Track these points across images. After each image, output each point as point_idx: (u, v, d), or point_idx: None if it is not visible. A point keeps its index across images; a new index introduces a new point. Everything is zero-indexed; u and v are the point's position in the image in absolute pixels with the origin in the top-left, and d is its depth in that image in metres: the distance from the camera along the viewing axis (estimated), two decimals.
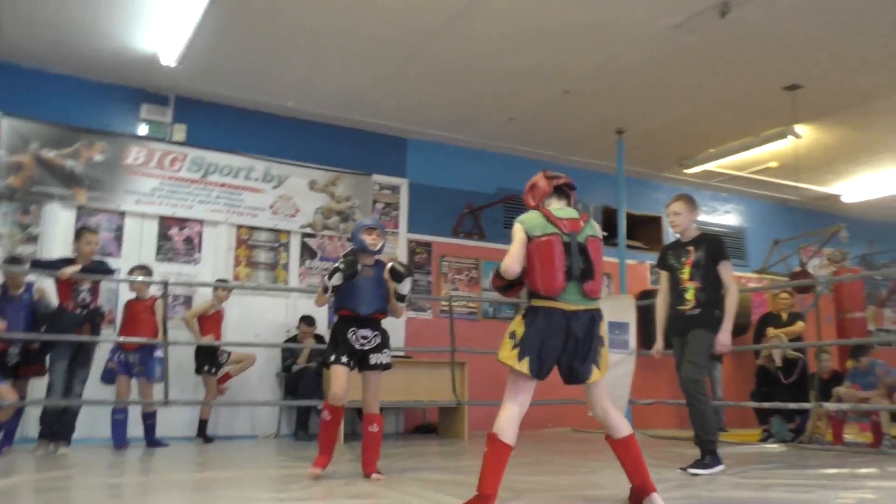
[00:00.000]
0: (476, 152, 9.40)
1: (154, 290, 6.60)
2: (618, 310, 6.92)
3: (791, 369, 7.32)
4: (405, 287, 4.03)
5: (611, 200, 9.65)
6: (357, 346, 3.98)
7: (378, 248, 4.16)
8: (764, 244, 11.09)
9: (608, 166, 9.36)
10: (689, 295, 4.45)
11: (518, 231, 3.10)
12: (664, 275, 4.74)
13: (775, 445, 6.63)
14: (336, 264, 4.00)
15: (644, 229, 10.57)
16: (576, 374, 3.01)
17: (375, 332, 4.06)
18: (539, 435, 7.95)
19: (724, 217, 11.28)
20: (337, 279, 3.93)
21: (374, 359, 4.03)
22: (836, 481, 4.03)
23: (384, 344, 4.09)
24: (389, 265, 4.04)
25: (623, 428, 3.07)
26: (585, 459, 5.40)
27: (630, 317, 6.91)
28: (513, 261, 3.05)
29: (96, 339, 6.03)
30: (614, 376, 6.61)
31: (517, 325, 3.03)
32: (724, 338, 4.39)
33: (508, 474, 2.96)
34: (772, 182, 10.41)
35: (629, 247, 9.37)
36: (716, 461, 4.28)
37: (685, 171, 9.74)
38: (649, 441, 7.31)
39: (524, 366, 2.93)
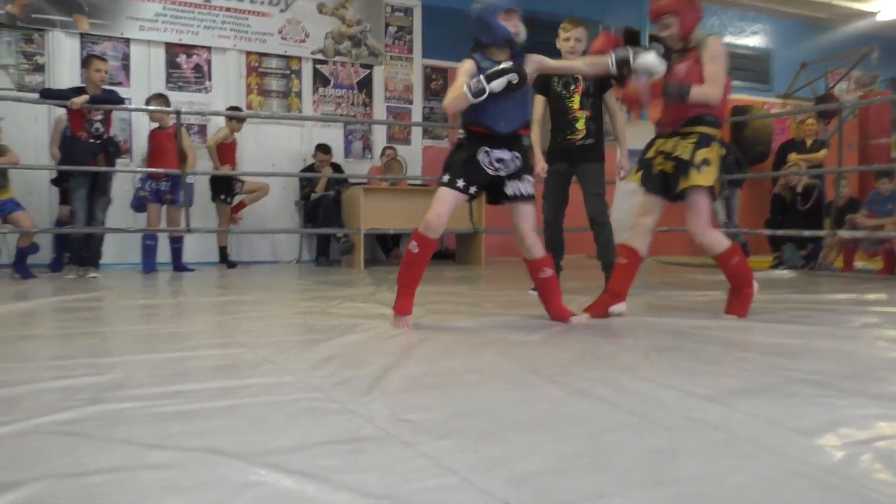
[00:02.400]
0: None
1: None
2: (637, 137, 6.79)
3: (808, 197, 7.29)
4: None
5: (633, 20, 9.22)
6: (491, 172, 3.07)
7: (522, 38, 3.10)
8: (791, 67, 10.70)
9: None
10: (581, 125, 4.41)
11: (726, 55, 3.27)
12: (541, 100, 4.52)
13: (786, 272, 6.75)
14: (499, 68, 2.88)
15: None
16: None
17: (514, 154, 3.11)
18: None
19: (749, 38, 10.81)
20: (499, 84, 2.86)
21: (512, 188, 3.13)
22: (843, 306, 4.12)
23: (525, 168, 3.15)
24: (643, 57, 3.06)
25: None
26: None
27: None
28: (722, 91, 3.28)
29: (122, 171, 6.11)
30: (629, 206, 6.63)
31: (712, 153, 3.27)
32: (626, 162, 4.52)
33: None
34: None
35: None
36: None
37: None
38: (661, 267, 7.46)
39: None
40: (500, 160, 3.07)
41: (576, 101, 4.41)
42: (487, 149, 3.07)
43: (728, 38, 10.46)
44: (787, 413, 1.76)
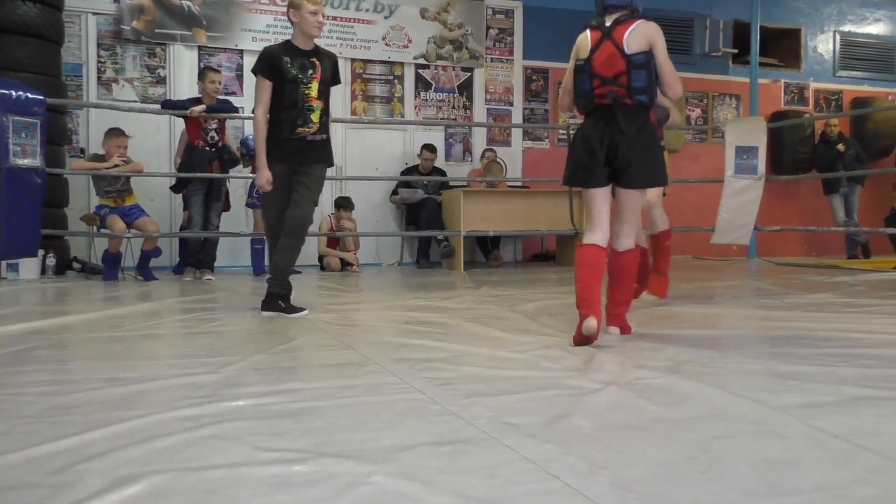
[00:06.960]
0: None
1: None
2: (746, 133, 6.53)
3: None
4: None
5: (743, 13, 8.86)
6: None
7: None
8: None
9: None
10: (315, 116, 3.79)
11: None
12: (268, 84, 3.77)
13: None
14: None
15: (779, 44, 9.72)
16: None
17: None
18: None
19: (872, 26, 10.17)
20: None
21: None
22: None
23: None
24: None
25: None
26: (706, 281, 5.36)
27: (760, 140, 6.52)
28: None
29: (234, 177, 6.43)
30: (740, 203, 6.39)
31: None
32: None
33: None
34: None
35: (762, 64, 8.69)
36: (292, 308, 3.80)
37: None
38: (774, 268, 7.14)
39: None
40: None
41: (313, 89, 3.78)
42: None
43: (849, 27, 9.90)
44: None
